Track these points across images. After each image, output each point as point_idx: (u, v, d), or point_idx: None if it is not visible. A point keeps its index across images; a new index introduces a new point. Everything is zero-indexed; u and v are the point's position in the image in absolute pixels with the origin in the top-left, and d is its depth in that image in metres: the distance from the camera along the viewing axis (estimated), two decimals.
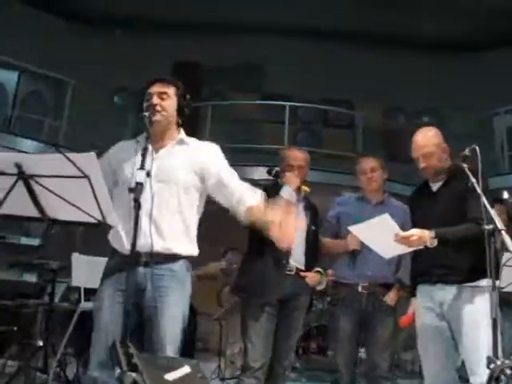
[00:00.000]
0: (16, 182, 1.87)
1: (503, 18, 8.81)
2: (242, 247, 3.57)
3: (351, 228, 2.96)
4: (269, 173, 3.51)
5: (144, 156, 2.03)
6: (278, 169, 3.49)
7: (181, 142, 2.55)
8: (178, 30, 9.56)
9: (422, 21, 9.24)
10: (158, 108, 2.46)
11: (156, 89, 2.51)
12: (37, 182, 1.86)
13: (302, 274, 3.36)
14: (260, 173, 6.78)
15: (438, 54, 9.89)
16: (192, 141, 2.60)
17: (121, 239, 2.38)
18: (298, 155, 3.50)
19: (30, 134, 7.46)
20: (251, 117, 9.17)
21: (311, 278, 3.38)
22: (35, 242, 4.54)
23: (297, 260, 3.34)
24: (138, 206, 1.90)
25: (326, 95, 9.63)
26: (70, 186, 1.85)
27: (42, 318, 4.52)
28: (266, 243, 3.14)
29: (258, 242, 3.17)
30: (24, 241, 4.45)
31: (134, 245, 1.93)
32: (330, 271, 3.55)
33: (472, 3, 8.55)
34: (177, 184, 2.42)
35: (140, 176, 1.94)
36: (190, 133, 2.64)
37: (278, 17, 9.41)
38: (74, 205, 1.87)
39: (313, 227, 3.45)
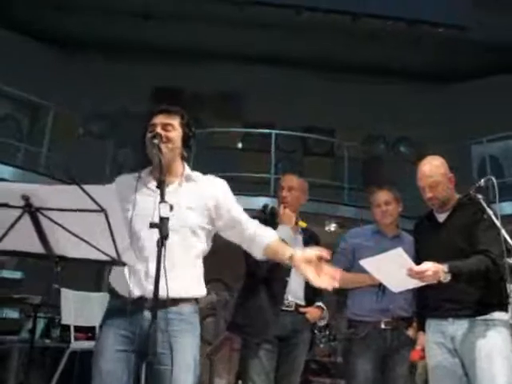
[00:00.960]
0: (21, 215, 1.69)
1: (479, 51, 9.04)
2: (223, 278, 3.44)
3: (362, 262, 2.84)
4: (263, 210, 3.37)
5: (162, 188, 1.87)
6: (273, 206, 3.38)
7: (188, 178, 2.39)
8: (158, 56, 9.49)
9: (403, 53, 9.40)
10: (164, 139, 2.31)
11: (160, 120, 2.36)
12: (45, 216, 1.68)
13: (302, 309, 3.25)
14: (241, 202, 6.67)
15: (417, 86, 10.07)
16: (198, 176, 2.43)
17: (124, 281, 2.20)
18: (291, 177, 3.43)
19: (5, 159, 7.18)
20: (232, 145, 9.11)
21: (312, 313, 3.28)
22: (17, 275, 4.29)
23: (296, 295, 3.23)
24: (162, 243, 1.73)
25: (307, 124, 9.67)
26: (83, 221, 1.68)
27: (18, 355, 4.24)
28: (261, 280, 3.09)
29: (253, 279, 3.12)
30: (5, 274, 4.21)
31: (156, 288, 1.75)
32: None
33: (450, 37, 8.74)
34: (186, 225, 2.25)
35: (164, 210, 1.77)
36: None
37: (259, 45, 9.44)
38: (86, 241, 1.70)
39: None
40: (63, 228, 1.69)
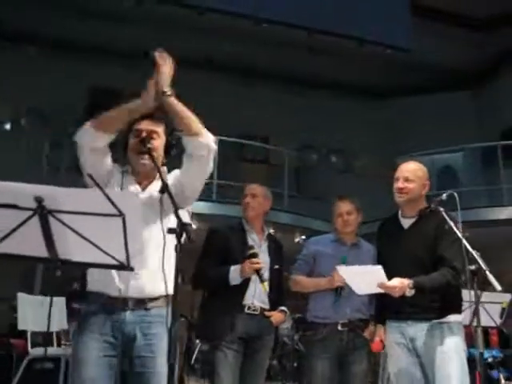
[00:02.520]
0: (30, 217, 1.65)
1: (415, 71, 9.58)
2: None
3: (339, 268, 2.98)
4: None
5: (171, 194, 1.88)
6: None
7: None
8: (97, 55, 9.22)
9: (344, 68, 9.74)
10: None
11: (146, 126, 2.36)
12: (56, 219, 1.65)
13: (267, 313, 3.33)
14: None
15: (354, 100, 10.48)
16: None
17: (107, 280, 2.18)
18: (254, 187, 3.51)
19: None
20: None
21: (276, 317, 3.37)
22: None
23: (260, 299, 3.31)
24: (181, 249, 1.73)
25: (243, 131, 9.76)
26: (96, 225, 1.66)
27: None
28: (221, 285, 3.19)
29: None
30: None
31: (176, 292, 1.76)
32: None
33: (389, 57, 9.18)
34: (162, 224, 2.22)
35: (185, 216, 1.78)
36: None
37: (200, 50, 9.43)
38: (96, 246, 1.68)
39: (276, 266, 3.43)
40: (74, 232, 1.67)
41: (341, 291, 3.30)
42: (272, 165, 9.86)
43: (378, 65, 9.59)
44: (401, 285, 2.74)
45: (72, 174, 7.88)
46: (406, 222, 3.09)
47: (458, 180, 9.77)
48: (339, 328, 3.33)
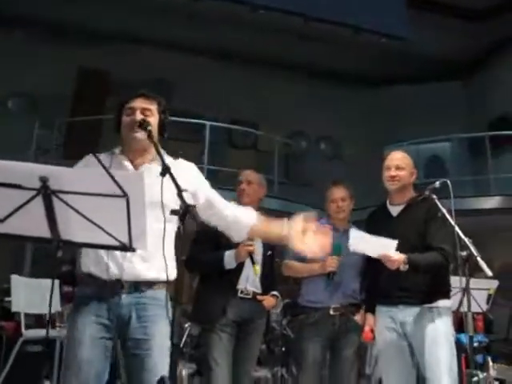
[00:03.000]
0: (34, 197, 1.65)
1: (403, 60, 9.60)
2: None
3: (353, 232, 3.06)
4: None
5: (173, 176, 1.88)
6: None
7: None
8: (87, 38, 9.11)
9: (338, 55, 9.73)
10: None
11: (139, 104, 2.33)
12: (60, 199, 1.65)
13: (259, 297, 3.38)
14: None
15: (341, 87, 10.48)
16: (171, 160, 2.43)
17: (102, 263, 2.19)
18: (249, 173, 3.53)
19: None
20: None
21: (268, 301, 3.43)
22: None
23: (253, 284, 3.35)
24: (184, 230, 1.74)
25: (233, 116, 9.75)
26: (100, 205, 1.66)
27: None
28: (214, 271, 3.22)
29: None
30: None
31: (180, 274, 1.77)
32: None
33: (385, 46, 9.19)
34: (162, 207, 2.25)
35: (189, 198, 1.78)
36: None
37: (191, 35, 9.36)
38: (99, 226, 1.68)
39: (269, 252, 3.47)
40: (77, 212, 1.67)
41: (333, 276, 3.36)
42: (260, 151, 9.87)
43: (372, 54, 9.60)
44: (398, 257, 2.82)
45: (60, 157, 7.88)
46: (395, 210, 3.17)
47: (445, 169, 9.85)
48: (331, 312, 3.39)
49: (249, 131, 9.80)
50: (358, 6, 8.32)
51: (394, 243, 2.84)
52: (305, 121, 10.18)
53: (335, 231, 3.55)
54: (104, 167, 1.57)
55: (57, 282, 3.84)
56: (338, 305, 3.40)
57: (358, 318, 3.43)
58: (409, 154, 3.29)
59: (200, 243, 3.29)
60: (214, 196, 2.42)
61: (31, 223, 1.73)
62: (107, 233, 1.71)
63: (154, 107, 2.36)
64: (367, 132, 9.98)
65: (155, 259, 2.17)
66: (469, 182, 9.55)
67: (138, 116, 2.30)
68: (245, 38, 9.31)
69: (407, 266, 2.84)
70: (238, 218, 2.40)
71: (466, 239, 2.68)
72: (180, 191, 1.79)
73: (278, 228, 2.34)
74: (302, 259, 3.49)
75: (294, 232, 2.25)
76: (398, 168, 3.11)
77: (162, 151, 2.33)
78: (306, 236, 2.24)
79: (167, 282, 2.24)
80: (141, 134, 2.25)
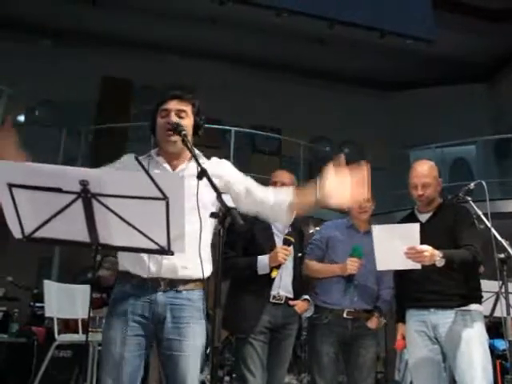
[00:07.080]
0: (74, 200, 1.65)
1: (428, 63, 9.50)
2: None
3: (374, 226, 2.98)
4: None
5: (210, 178, 1.87)
6: None
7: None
8: (110, 46, 9.21)
9: (349, 59, 9.69)
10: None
11: (174, 106, 2.32)
12: (100, 203, 1.65)
13: (291, 302, 3.33)
14: None
15: (363, 92, 10.43)
16: (205, 161, 2.38)
17: (141, 261, 2.19)
18: (281, 173, 3.50)
19: None
20: None
21: (300, 306, 3.37)
22: None
23: (286, 289, 3.31)
24: (223, 233, 1.73)
25: (255, 122, 9.75)
26: (140, 208, 1.66)
27: None
28: (247, 277, 3.18)
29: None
30: None
31: (219, 277, 1.76)
32: None
33: (399, 49, 9.11)
34: (198, 209, 2.20)
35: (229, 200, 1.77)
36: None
37: (212, 41, 9.41)
38: (138, 230, 1.68)
39: (299, 254, 3.44)
40: (117, 215, 1.67)
41: (352, 279, 3.33)
42: (285, 156, 9.84)
43: (396, 57, 9.52)
44: (431, 250, 2.74)
45: (87, 165, 7.97)
46: (424, 217, 3.16)
47: (471, 172, 9.72)
48: (344, 315, 3.38)
49: (272, 136, 9.79)
50: (384, 9, 8.25)
51: (417, 226, 2.78)
52: (328, 125, 10.14)
53: (356, 232, 3.54)
54: (145, 170, 1.57)
55: (86, 287, 3.86)
56: (352, 309, 3.38)
57: (370, 324, 3.41)
58: (434, 157, 3.25)
59: (231, 244, 3.23)
60: (252, 183, 2.42)
61: (70, 227, 1.73)
62: (146, 236, 1.71)
63: (188, 108, 2.35)
64: (391, 136, 9.90)
65: (192, 260, 2.17)
66: (494, 185, 9.40)
67: (173, 118, 2.29)
68: (268, 43, 9.32)
69: (443, 262, 2.77)
70: (278, 199, 2.37)
71: (503, 241, 2.62)
72: (219, 194, 1.77)
73: (312, 195, 2.28)
74: (321, 259, 3.49)
75: (328, 189, 2.20)
76: (424, 186, 3.08)
77: (197, 152, 2.33)
78: (342, 184, 2.20)
79: (202, 281, 2.24)
80: (175, 138, 2.25)
